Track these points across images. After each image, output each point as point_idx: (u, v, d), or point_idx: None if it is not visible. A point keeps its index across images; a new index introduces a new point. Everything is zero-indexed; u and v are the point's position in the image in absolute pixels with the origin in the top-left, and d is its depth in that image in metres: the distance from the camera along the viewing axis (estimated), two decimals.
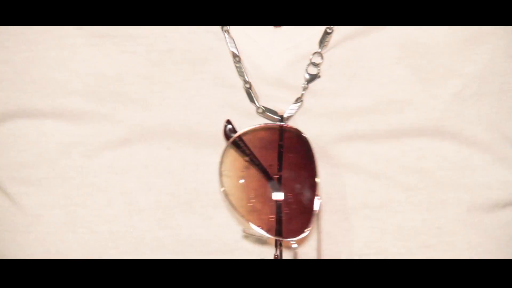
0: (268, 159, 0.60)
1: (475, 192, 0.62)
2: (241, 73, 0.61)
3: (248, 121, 0.61)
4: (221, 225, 0.61)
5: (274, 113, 0.61)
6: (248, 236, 0.61)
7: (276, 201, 0.59)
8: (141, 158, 0.62)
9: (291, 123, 0.61)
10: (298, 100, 0.61)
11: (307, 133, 0.60)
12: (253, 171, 0.59)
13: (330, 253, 0.61)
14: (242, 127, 0.60)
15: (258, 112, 0.61)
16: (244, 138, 0.60)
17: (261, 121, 0.61)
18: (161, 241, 0.61)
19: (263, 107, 0.61)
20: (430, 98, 0.62)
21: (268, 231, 0.59)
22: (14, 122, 0.63)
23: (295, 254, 0.60)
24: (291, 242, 0.59)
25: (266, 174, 0.60)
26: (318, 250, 0.60)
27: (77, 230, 0.62)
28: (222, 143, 0.60)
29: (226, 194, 0.59)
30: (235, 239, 0.61)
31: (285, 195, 0.59)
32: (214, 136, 0.61)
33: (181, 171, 0.61)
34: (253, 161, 0.59)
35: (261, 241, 0.61)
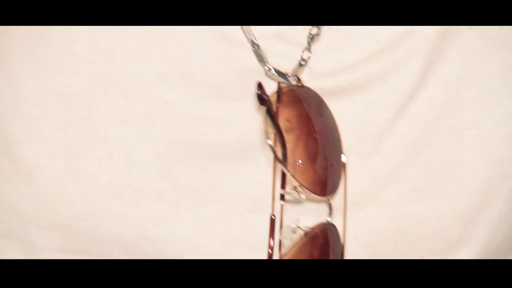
0: (305, 121, 0.61)
1: (462, 132, 0.64)
2: (249, 34, 0.61)
3: (245, 76, 0.62)
4: (217, 176, 0.63)
5: (285, 76, 0.62)
6: (288, 196, 0.61)
7: (320, 162, 0.60)
8: (139, 110, 0.62)
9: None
10: (303, 61, 0.62)
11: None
12: (296, 134, 0.60)
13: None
14: (240, 81, 0.61)
15: (267, 73, 0.62)
16: (279, 101, 0.60)
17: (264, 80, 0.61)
18: (160, 193, 0.62)
19: (274, 69, 0.61)
20: (418, 38, 0.63)
21: (315, 190, 0.60)
22: (12, 71, 0.62)
23: (331, 211, 0.62)
24: (327, 199, 0.62)
25: (307, 136, 0.60)
26: (345, 204, 0.63)
27: (78, 181, 0.62)
28: (220, 96, 0.61)
29: (277, 158, 0.60)
30: (231, 189, 0.63)
31: (326, 156, 0.61)
32: (212, 89, 0.62)
33: (178, 123, 0.62)
34: (293, 124, 0.60)
35: (298, 201, 0.62)
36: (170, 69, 0.61)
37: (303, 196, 0.60)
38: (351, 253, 0.64)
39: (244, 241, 0.63)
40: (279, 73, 0.61)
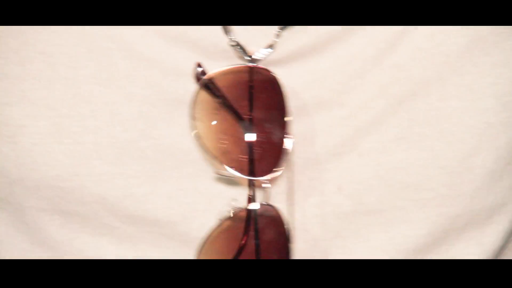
0: (239, 100, 0.60)
1: (447, 80, 0.62)
2: None
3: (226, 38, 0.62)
4: None
5: (245, 52, 0.61)
6: (221, 177, 0.62)
7: (247, 142, 0.60)
8: (122, 69, 0.62)
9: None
10: (270, 46, 0.61)
11: (277, 73, 0.61)
12: (224, 113, 0.60)
13: (307, 150, 0.63)
14: (220, 43, 0.61)
15: (230, 45, 0.61)
16: (215, 79, 0.60)
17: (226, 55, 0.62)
18: (144, 151, 0.63)
19: (237, 41, 0.61)
20: None
21: (240, 171, 0.60)
22: None
23: (268, 193, 0.62)
24: (263, 182, 0.61)
25: (237, 115, 0.60)
26: (291, 189, 0.62)
27: (63, 141, 0.62)
28: (201, 55, 0.62)
29: (198, 137, 0.60)
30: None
31: (256, 135, 0.60)
32: (192, 49, 0.62)
33: (161, 82, 0.62)
34: (224, 102, 0.60)
35: (233, 182, 0.63)
36: (151, 29, 0.61)
37: (238, 176, 0.60)
38: (334, 205, 0.64)
39: (228, 198, 0.63)
40: (240, 47, 0.61)
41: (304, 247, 0.64)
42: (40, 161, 0.62)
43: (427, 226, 0.65)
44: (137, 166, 0.63)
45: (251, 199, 0.61)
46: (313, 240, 0.64)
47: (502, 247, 0.68)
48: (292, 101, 0.61)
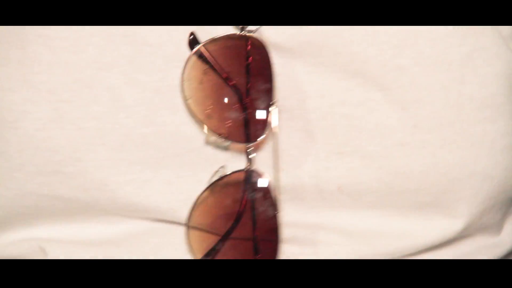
0: (227, 67, 0.61)
1: (450, 88, 0.63)
2: None
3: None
4: None
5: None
6: (210, 143, 0.63)
7: (233, 107, 0.61)
8: (125, 54, 0.62)
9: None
10: None
11: (270, 40, 0.61)
12: (212, 78, 0.61)
13: (307, 148, 0.64)
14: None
15: None
16: (207, 47, 0.61)
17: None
18: (146, 138, 0.63)
19: None
20: None
21: (226, 137, 0.61)
22: None
23: (252, 160, 0.63)
24: (248, 148, 0.62)
25: (224, 81, 0.61)
26: (276, 159, 0.63)
27: (65, 127, 0.62)
28: (205, 39, 0.61)
29: (185, 99, 0.61)
30: None
31: (241, 101, 0.61)
32: (197, 32, 0.62)
33: (164, 68, 0.62)
34: (213, 68, 0.61)
35: (223, 147, 0.63)
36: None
37: (226, 142, 0.61)
38: (334, 201, 0.65)
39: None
40: None
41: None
42: (42, 147, 0.62)
43: (423, 224, 0.67)
44: (139, 152, 0.63)
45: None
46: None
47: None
48: (293, 93, 0.62)
